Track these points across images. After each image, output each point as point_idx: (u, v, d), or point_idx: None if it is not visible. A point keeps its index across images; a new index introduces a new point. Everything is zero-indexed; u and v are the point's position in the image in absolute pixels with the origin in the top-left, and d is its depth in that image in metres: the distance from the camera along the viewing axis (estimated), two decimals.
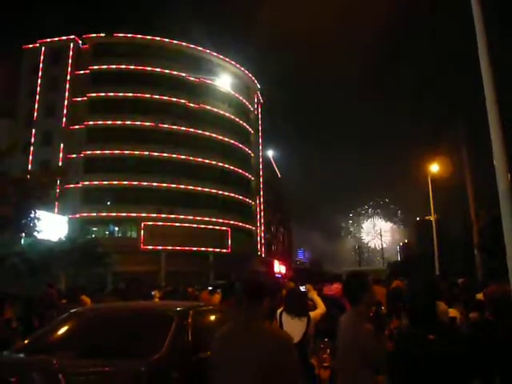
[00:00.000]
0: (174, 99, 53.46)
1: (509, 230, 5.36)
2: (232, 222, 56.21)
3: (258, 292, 3.13)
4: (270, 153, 77.59)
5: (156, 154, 50.62)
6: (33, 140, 48.73)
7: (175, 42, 55.76)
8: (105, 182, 48.85)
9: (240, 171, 60.59)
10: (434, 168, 28.35)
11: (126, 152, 49.67)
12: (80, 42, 53.85)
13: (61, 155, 49.07)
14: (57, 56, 52.65)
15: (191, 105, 54.35)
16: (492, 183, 5.72)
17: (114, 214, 49.24)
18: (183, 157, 52.26)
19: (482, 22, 6.04)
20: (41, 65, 52.18)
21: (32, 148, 48.04)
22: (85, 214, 47.90)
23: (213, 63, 58.86)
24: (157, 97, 52.25)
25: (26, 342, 5.00)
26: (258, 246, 67.19)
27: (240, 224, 58.62)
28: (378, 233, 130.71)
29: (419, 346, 3.22)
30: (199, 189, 52.70)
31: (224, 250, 53.48)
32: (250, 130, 66.87)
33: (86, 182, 48.69)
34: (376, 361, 3.45)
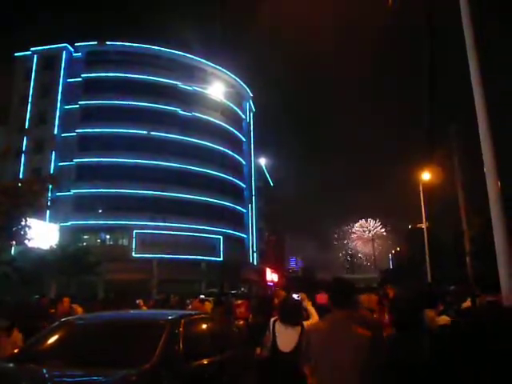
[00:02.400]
0: (167, 107, 53.46)
1: (500, 238, 5.37)
2: (224, 231, 56.08)
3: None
4: (263, 161, 77.63)
5: (148, 162, 50.54)
6: (24, 147, 48.49)
7: (167, 50, 55.80)
8: (96, 190, 48.58)
9: (232, 179, 60.61)
10: (426, 176, 28.45)
11: (117, 160, 49.54)
12: (72, 49, 53.83)
13: (52, 163, 48.93)
14: (49, 63, 52.58)
15: (183, 113, 54.39)
16: (483, 190, 5.75)
17: (105, 222, 48.96)
18: (175, 165, 52.16)
19: (471, 35, 6.08)
20: (33, 72, 52.11)
21: (24, 155, 47.78)
22: (76, 222, 47.59)
23: (205, 72, 59.00)
24: (149, 105, 52.20)
25: (15, 351, 4.96)
26: (250, 254, 67.08)
27: (232, 232, 58.54)
28: (370, 241, 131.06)
29: (404, 353, 3.23)
30: (191, 197, 52.55)
31: (216, 259, 53.32)
32: (242, 138, 67.00)
33: (78, 190, 48.46)
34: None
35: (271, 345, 5.11)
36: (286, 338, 5.06)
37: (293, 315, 5.38)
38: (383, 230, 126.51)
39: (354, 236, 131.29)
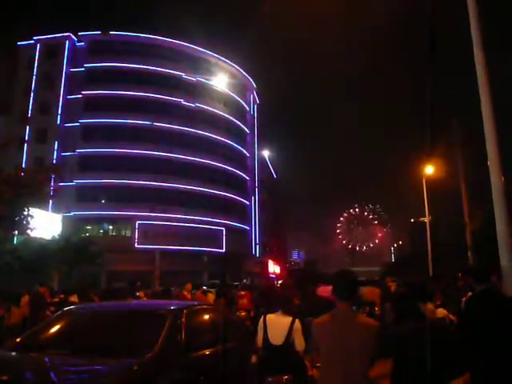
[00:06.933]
0: (170, 98, 53.29)
1: (502, 231, 5.37)
2: (227, 222, 56.15)
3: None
4: (266, 153, 77.53)
5: (151, 152, 50.50)
6: (27, 137, 48.43)
7: (171, 40, 55.54)
8: (99, 181, 48.59)
9: (235, 171, 60.60)
10: (429, 169, 28.35)
11: (120, 150, 49.51)
12: (76, 39, 53.64)
13: (55, 153, 48.90)
14: (52, 53, 52.39)
15: (187, 104, 54.27)
16: (487, 184, 5.73)
17: (108, 213, 49.03)
18: (178, 156, 52.16)
19: (477, 28, 6.05)
20: (36, 62, 51.93)
21: (26, 145, 47.71)
22: (79, 213, 47.64)
23: (209, 62, 58.78)
24: (152, 95, 52.01)
25: (18, 339, 4.97)
26: (253, 246, 67.19)
27: (235, 224, 58.60)
28: (373, 234, 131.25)
29: (404, 344, 3.24)
30: (194, 188, 52.59)
31: (218, 250, 53.42)
32: (246, 130, 66.87)
33: (81, 180, 48.46)
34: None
35: (263, 339, 5.07)
36: (276, 329, 5.02)
37: (286, 302, 5.34)
38: (385, 224, 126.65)
39: (356, 229, 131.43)
